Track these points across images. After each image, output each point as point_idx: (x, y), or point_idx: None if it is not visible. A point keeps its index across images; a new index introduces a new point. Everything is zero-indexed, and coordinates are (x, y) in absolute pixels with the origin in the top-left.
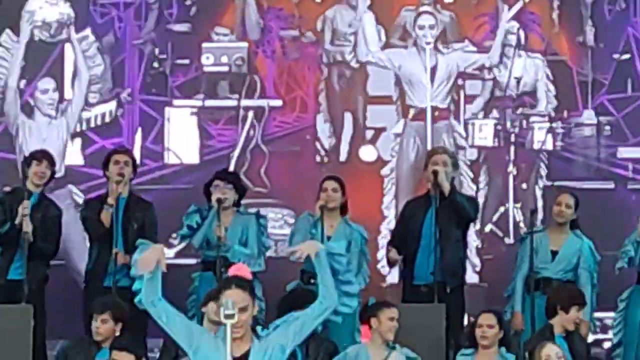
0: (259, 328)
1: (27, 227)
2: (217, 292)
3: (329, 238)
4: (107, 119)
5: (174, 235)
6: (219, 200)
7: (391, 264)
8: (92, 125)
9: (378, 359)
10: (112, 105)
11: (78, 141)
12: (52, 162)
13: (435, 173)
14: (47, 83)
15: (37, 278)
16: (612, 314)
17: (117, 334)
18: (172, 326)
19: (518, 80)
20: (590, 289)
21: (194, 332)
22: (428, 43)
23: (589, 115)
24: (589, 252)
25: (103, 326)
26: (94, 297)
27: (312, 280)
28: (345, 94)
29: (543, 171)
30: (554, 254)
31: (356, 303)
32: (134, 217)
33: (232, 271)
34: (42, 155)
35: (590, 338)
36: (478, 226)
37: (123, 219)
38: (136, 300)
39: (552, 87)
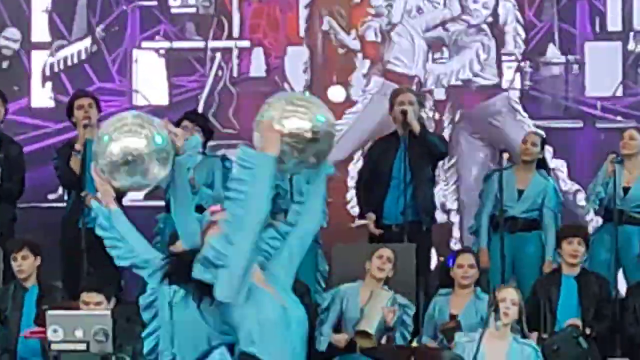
0: None
1: None
2: None
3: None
4: (83, 57)
5: None
6: None
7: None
8: (69, 64)
9: (365, 298)
10: (87, 42)
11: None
12: (3, 99)
13: (404, 113)
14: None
15: (4, 220)
16: None
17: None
18: None
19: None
20: (554, 228)
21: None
22: None
23: (555, 54)
24: (554, 192)
25: (24, 262)
26: (69, 242)
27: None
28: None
29: None
30: (520, 192)
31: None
32: None
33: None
34: None
35: None
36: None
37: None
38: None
39: (521, 31)
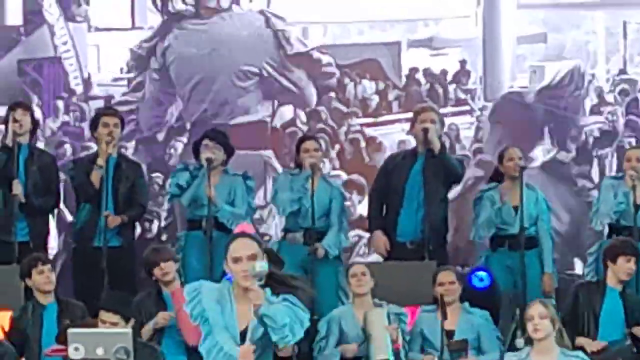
0: (268, 291)
1: (17, 189)
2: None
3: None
4: None
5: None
6: (209, 160)
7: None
8: None
9: (361, 317)
10: None
11: None
12: (26, 108)
13: (425, 131)
14: None
15: (39, 235)
16: None
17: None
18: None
19: None
20: (550, 240)
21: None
22: None
23: None
24: (544, 202)
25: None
26: (83, 256)
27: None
28: None
29: None
30: (516, 209)
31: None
32: (124, 177)
33: (237, 229)
34: (15, 104)
35: None
36: None
37: (113, 180)
38: None
39: None
